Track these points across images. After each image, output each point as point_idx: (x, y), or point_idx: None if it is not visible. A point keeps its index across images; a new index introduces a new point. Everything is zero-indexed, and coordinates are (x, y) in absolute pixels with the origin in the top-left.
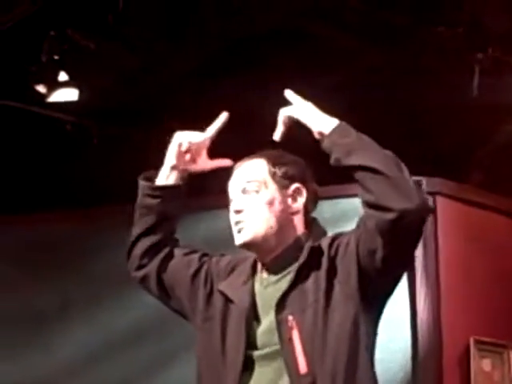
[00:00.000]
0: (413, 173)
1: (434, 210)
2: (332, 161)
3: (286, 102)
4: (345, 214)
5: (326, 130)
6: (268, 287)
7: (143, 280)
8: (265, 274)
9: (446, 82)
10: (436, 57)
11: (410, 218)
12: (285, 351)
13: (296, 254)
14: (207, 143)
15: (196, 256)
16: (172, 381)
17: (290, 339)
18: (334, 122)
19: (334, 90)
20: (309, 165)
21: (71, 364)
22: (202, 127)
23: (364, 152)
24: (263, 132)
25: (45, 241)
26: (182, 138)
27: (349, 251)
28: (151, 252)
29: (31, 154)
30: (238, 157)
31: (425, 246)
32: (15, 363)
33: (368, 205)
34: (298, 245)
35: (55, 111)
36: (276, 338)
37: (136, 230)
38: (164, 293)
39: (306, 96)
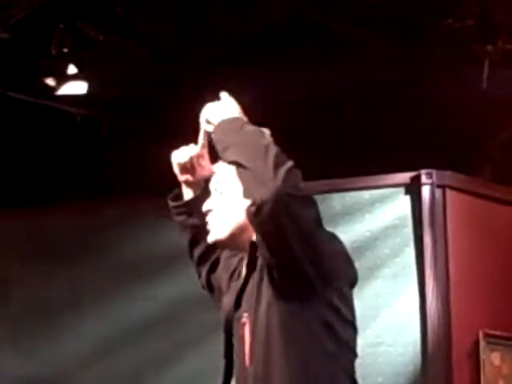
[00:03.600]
0: (423, 166)
1: (304, 196)
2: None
3: (295, 95)
4: (353, 207)
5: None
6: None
7: (204, 288)
8: (244, 269)
9: (455, 74)
10: (446, 50)
11: (268, 206)
12: (236, 348)
13: None
14: (203, 151)
15: (236, 258)
16: (182, 373)
17: (242, 336)
18: (223, 118)
19: (344, 84)
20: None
21: (81, 357)
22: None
23: (236, 148)
24: (274, 124)
25: (54, 234)
26: (175, 158)
27: None
28: (201, 262)
29: (40, 146)
30: None
31: (434, 239)
32: (26, 356)
33: None
34: None
35: (65, 104)
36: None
37: (186, 244)
38: (219, 300)
39: (316, 88)
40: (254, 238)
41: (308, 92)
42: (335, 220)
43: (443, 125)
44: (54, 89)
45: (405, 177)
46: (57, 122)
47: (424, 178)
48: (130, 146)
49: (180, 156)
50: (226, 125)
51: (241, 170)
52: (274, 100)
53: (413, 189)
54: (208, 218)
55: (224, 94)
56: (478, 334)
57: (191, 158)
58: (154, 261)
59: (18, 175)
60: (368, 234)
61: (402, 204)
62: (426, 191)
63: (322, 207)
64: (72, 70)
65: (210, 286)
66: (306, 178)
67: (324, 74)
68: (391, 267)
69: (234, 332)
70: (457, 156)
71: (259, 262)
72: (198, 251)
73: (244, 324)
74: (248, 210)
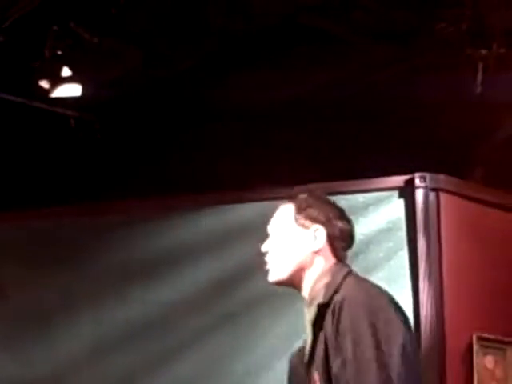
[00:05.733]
0: (416, 169)
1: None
2: None
3: (294, 98)
4: (347, 210)
5: None
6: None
7: None
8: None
9: (449, 78)
10: (439, 53)
11: None
12: None
13: (325, 287)
14: None
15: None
16: (174, 376)
17: None
18: None
19: (338, 86)
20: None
21: (74, 359)
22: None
23: None
24: (265, 126)
25: (47, 236)
26: None
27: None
28: None
29: (34, 149)
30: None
31: (428, 243)
32: (18, 358)
33: None
34: (325, 279)
35: (58, 106)
36: None
37: None
38: None
39: (311, 91)
40: (321, 299)
41: (302, 94)
42: None
43: (437, 128)
44: (48, 91)
45: (398, 180)
46: (50, 125)
47: (418, 182)
48: (123, 149)
49: None
50: None
51: None
52: (267, 102)
53: (406, 192)
54: (265, 259)
55: None
56: (471, 338)
57: None
58: (148, 264)
59: (11, 177)
60: (362, 237)
61: (395, 207)
62: (419, 195)
63: None
64: (66, 72)
65: None
66: (299, 180)
67: (318, 76)
68: (385, 271)
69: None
70: (450, 159)
71: (328, 332)
72: None
73: (315, 382)
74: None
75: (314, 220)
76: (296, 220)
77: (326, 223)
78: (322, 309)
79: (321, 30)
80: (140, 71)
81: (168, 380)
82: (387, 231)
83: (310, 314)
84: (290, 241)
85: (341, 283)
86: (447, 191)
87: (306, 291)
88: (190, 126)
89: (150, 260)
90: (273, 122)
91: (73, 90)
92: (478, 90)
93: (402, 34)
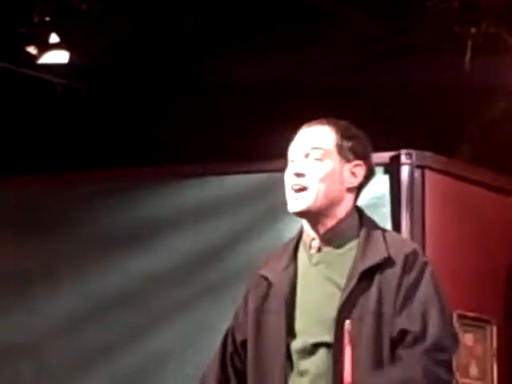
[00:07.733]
0: (403, 146)
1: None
2: None
3: (282, 73)
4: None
5: None
6: (319, 264)
7: None
8: (313, 251)
9: (438, 57)
10: (429, 31)
11: None
12: (334, 353)
13: (350, 231)
14: None
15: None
16: (154, 348)
17: (341, 343)
18: None
19: (325, 63)
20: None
21: (54, 326)
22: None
23: None
24: (257, 101)
25: (30, 203)
26: None
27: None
28: None
29: (20, 115)
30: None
31: (412, 220)
32: None
33: None
34: (351, 221)
35: (46, 73)
36: (325, 334)
37: None
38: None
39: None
40: (384, 253)
41: (289, 70)
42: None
43: (424, 106)
44: (36, 57)
45: (384, 156)
46: (37, 91)
47: (403, 158)
48: (109, 117)
49: None
50: None
51: None
52: (253, 77)
53: (392, 169)
54: (297, 182)
55: None
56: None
57: None
58: (131, 234)
59: None
60: None
61: (380, 183)
62: (404, 171)
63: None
64: (54, 38)
65: None
66: (282, 154)
67: (305, 52)
68: None
69: (314, 323)
70: (437, 137)
71: (391, 283)
72: None
73: (345, 332)
74: None
75: (356, 155)
76: (340, 148)
77: (366, 161)
78: (388, 262)
79: (309, 6)
80: (128, 40)
81: (147, 351)
82: (371, 207)
83: (330, 256)
84: (332, 169)
85: (384, 235)
86: (433, 169)
87: (323, 228)
88: (177, 97)
89: (132, 230)
90: (256, 98)
91: (60, 56)
92: (467, 68)
93: (391, 12)
